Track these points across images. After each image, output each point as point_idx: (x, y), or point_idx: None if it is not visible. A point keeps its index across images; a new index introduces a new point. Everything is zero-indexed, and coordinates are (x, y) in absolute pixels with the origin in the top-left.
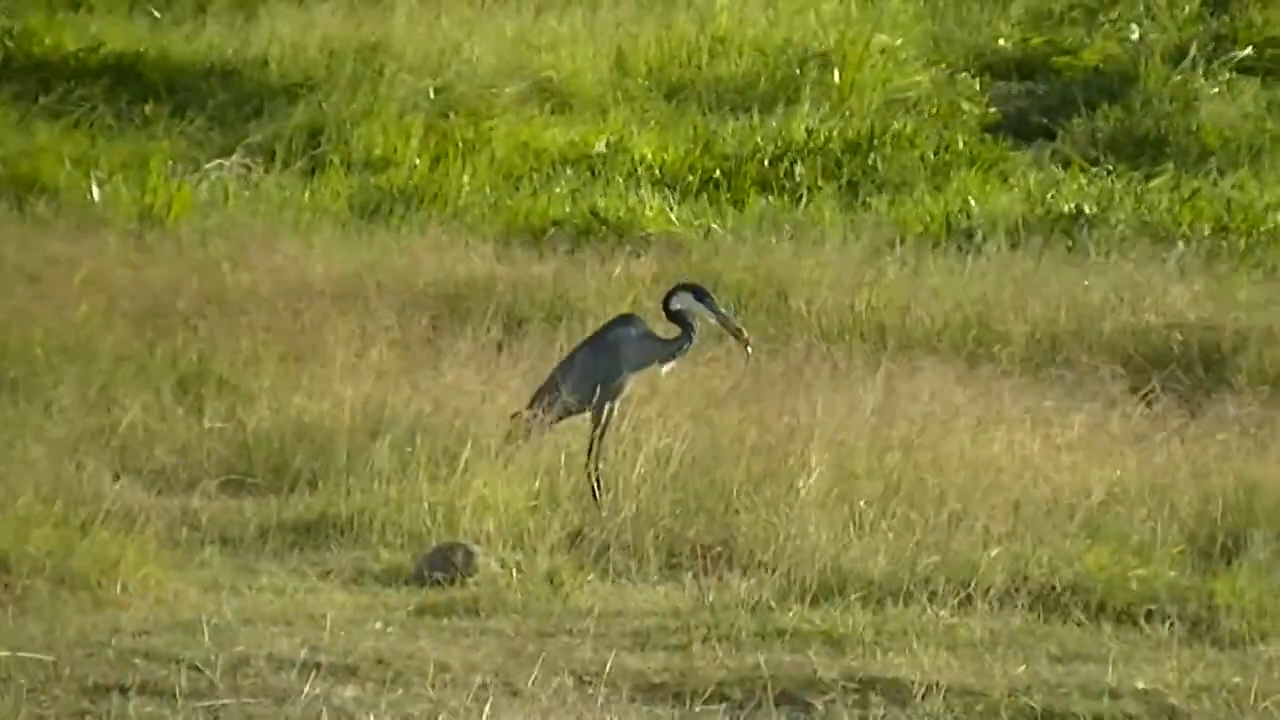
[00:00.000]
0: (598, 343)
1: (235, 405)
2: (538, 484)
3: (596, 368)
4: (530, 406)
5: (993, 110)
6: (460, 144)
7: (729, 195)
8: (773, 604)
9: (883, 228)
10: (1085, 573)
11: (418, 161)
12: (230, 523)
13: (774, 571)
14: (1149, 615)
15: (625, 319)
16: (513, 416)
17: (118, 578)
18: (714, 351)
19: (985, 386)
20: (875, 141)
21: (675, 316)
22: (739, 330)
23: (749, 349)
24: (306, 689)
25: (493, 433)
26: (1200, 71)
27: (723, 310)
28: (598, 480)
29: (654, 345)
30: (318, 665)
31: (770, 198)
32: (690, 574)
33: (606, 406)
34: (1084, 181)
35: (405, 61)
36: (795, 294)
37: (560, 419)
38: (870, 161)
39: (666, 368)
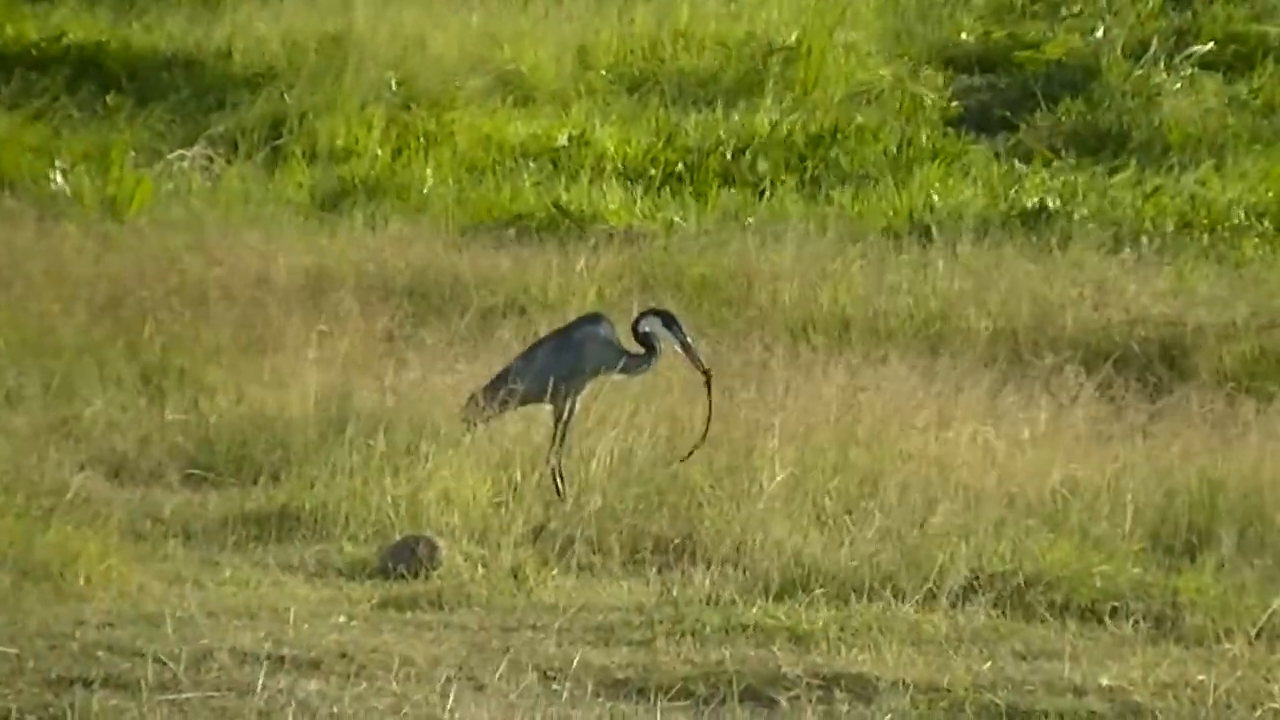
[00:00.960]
0: (563, 338)
1: (197, 397)
2: (502, 478)
3: (559, 363)
4: (486, 390)
5: (955, 104)
6: (423, 136)
7: (692, 188)
8: (736, 599)
9: (845, 221)
10: (1049, 569)
11: (380, 153)
12: (193, 515)
13: (737, 566)
14: (1113, 612)
15: (594, 318)
16: (469, 400)
17: (80, 570)
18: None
19: (947, 381)
20: (838, 135)
21: (642, 339)
22: (703, 368)
23: (710, 385)
24: (270, 682)
25: (455, 425)
26: (1162, 66)
27: (688, 340)
28: (561, 474)
29: (617, 354)
30: (281, 658)
31: (733, 191)
32: (654, 569)
33: (567, 402)
34: (1046, 176)
35: (368, 53)
36: (758, 288)
37: (515, 407)
38: (833, 155)
39: (620, 377)
